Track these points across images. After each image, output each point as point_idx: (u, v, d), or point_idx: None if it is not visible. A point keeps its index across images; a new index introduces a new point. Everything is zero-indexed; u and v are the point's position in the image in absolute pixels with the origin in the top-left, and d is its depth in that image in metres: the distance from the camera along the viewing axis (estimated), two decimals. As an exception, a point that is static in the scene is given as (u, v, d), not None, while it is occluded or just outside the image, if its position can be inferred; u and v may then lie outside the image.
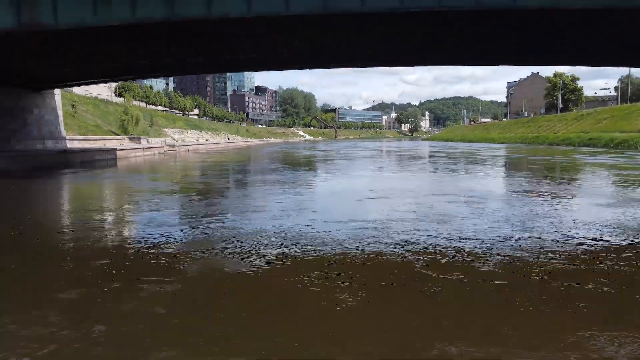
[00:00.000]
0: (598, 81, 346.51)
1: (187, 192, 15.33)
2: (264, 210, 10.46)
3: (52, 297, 4.97)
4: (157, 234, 7.87)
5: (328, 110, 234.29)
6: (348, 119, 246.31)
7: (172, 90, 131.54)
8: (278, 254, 6.37)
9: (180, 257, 6.39)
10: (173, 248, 6.95)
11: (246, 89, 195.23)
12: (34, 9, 15.53)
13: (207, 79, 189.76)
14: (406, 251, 6.44)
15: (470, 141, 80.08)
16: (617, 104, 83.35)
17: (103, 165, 27.12)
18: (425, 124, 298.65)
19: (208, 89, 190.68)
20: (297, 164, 29.91)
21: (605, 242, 6.97)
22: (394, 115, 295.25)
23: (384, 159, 37.27)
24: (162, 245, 7.07)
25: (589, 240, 6.99)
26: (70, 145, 30.49)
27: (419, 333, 4.02)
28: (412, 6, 15.40)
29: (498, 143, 66.65)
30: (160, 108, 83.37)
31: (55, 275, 5.81)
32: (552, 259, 6.03)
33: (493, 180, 18.82)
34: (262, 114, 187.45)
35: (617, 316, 4.26)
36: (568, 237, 7.19)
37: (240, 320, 4.33)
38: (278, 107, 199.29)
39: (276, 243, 6.96)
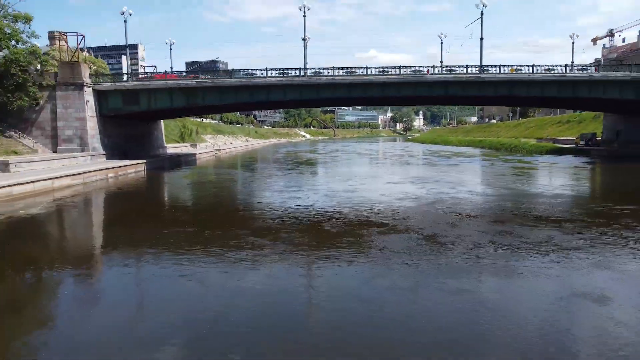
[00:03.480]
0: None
1: (283, 178, 36.65)
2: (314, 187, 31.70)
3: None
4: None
5: (327, 111, 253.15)
6: (346, 118, 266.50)
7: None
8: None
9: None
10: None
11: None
12: (194, 98, 37.03)
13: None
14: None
15: (436, 143, 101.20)
16: (558, 113, 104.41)
17: (192, 164, 48.27)
18: (419, 123, 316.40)
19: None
20: (303, 164, 51.03)
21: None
22: (389, 114, 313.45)
23: (353, 160, 57.96)
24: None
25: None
26: (167, 151, 51.79)
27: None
28: (354, 96, 37.15)
29: (452, 146, 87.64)
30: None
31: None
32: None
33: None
34: (267, 115, 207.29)
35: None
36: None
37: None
38: (281, 109, 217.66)
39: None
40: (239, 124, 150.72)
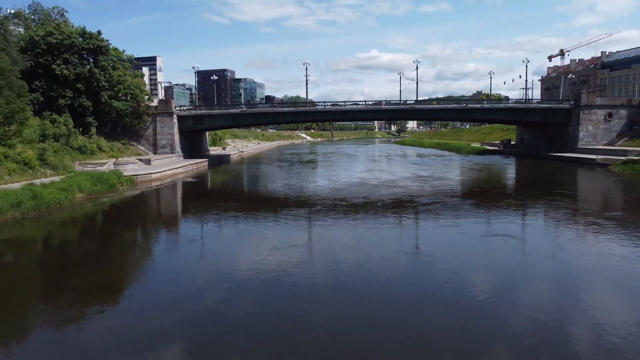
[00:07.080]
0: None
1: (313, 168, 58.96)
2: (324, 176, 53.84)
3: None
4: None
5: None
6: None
7: (196, 100, 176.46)
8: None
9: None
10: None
11: (257, 99, 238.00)
12: (238, 120, 59.69)
13: (225, 91, 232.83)
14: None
15: (414, 146, 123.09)
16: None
17: (229, 162, 70.22)
18: (412, 124, 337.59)
19: (227, 99, 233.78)
20: (307, 162, 72.82)
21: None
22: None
23: (342, 159, 79.82)
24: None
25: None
26: (210, 153, 73.91)
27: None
28: (338, 118, 60.22)
29: (424, 148, 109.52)
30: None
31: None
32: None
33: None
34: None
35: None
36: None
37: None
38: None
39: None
40: (248, 129, 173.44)
